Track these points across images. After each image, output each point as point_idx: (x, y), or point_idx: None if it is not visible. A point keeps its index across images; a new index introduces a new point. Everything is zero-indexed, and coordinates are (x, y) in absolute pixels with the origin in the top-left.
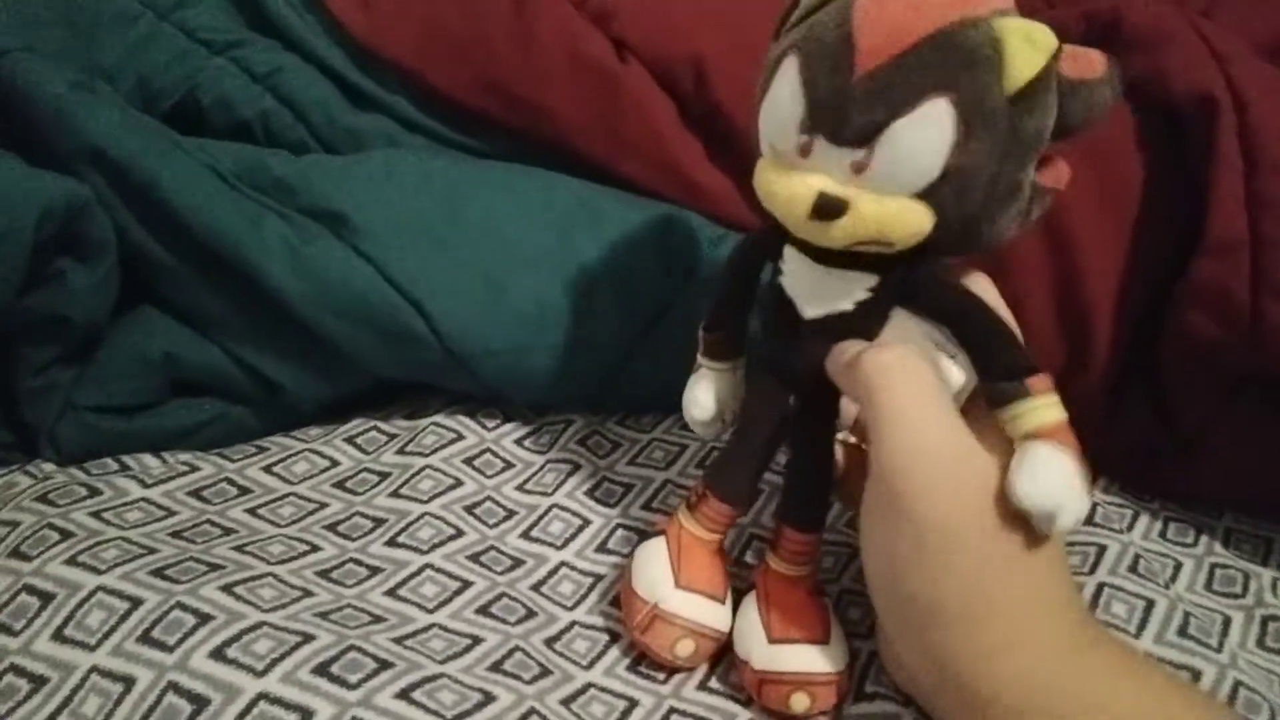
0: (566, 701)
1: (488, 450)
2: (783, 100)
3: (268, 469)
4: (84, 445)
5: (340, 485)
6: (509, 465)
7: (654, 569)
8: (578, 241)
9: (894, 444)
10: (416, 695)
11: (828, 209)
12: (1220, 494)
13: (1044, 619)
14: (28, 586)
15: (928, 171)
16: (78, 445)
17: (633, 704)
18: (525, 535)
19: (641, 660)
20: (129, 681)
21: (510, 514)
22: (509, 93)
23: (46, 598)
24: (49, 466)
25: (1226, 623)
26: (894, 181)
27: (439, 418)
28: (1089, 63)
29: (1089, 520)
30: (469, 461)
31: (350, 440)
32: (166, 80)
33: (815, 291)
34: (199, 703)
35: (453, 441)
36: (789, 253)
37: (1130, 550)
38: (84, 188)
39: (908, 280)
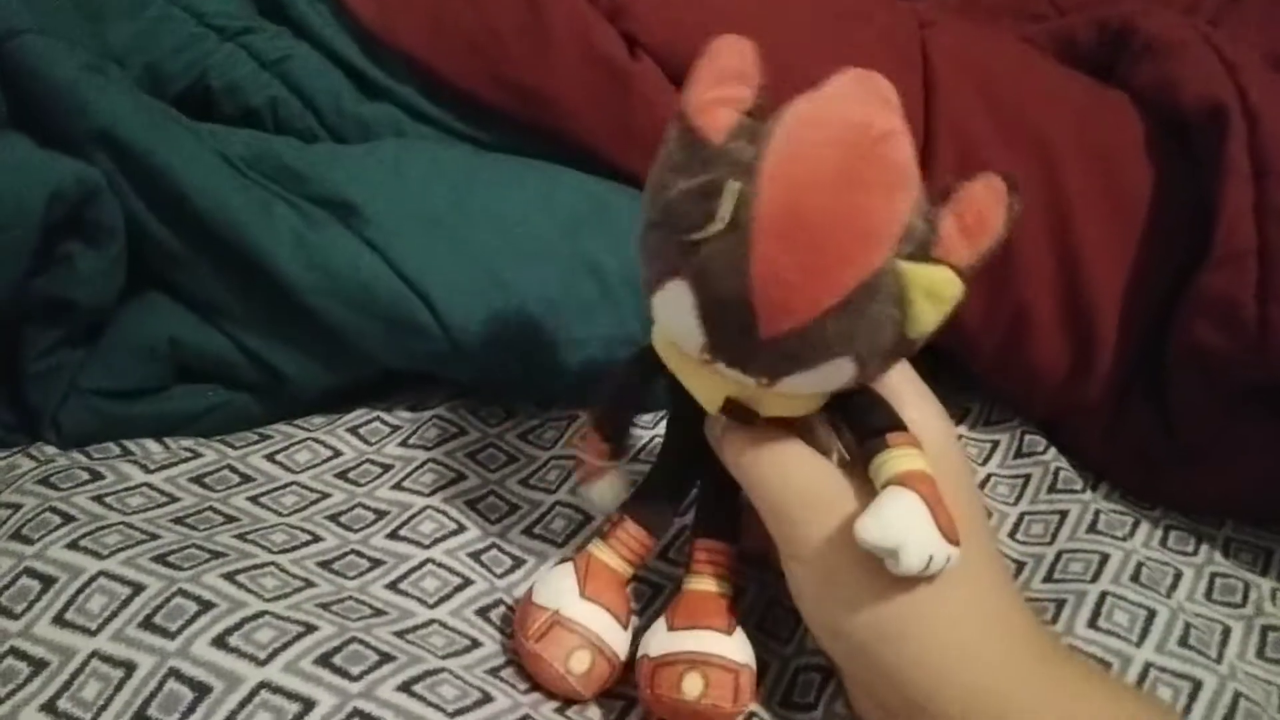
0: (562, 709)
1: (491, 445)
2: (680, 321)
3: (270, 457)
4: (87, 429)
5: (343, 475)
6: (512, 460)
7: (558, 581)
8: (584, 236)
9: (764, 492)
10: (418, 688)
11: (739, 414)
12: (1223, 502)
13: (994, 631)
14: (29, 570)
15: (828, 390)
16: (81, 429)
17: (631, 703)
18: (528, 532)
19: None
20: (130, 667)
21: (513, 509)
22: (519, 85)
23: (48, 581)
24: (51, 449)
25: (1226, 633)
26: (797, 397)
27: (443, 410)
28: (989, 228)
29: (1092, 527)
30: (472, 455)
31: (353, 430)
32: (176, 65)
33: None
34: (200, 690)
35: (456, 435)
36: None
37: (1133, 559)
38: (94, 171)
39: None
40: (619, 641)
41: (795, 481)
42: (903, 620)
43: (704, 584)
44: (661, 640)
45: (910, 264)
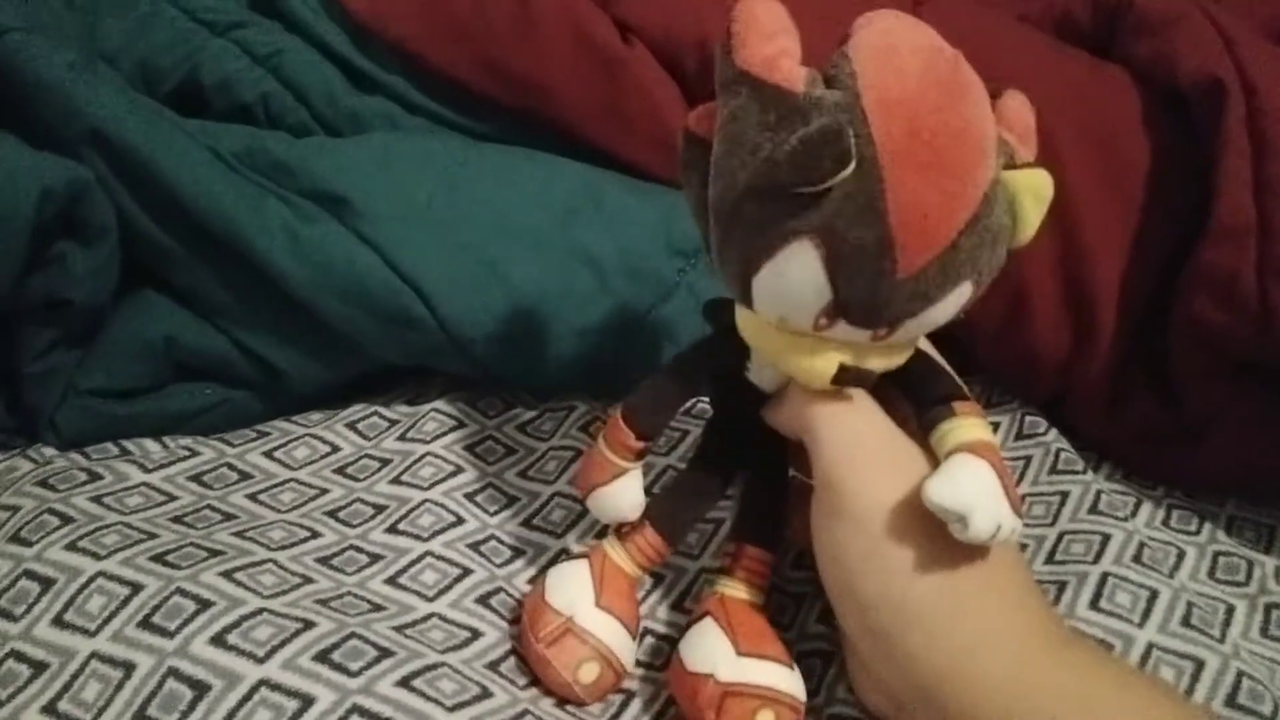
0: (561, 703)
1: (489, 437)
2: (798, 287)
3: (268, 454)
4: (85, 429)
5: (341, 471)
6: (511, 451)
7: (574, 585)
8: (579, 225)
9: (832, 447)
10: (417, 683)
11: (853, 380)
12: (1225, 480)
13: (1014, 616)
14: (28, 572)
15: (938, 325)
16: (78, 429)
17: (629, 695)
18: (527, 524)
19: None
20: (129, 667)
21: (512, 500)
22: (510, 74)
23: (47, 583)
24: (50, 451)
25: (1230, 611)
26: (908, 340)
27: (440, 403)
28: (1035, 134)
29: (1093, 508)
30: (470, 449)
31: (351, 426)
32: (168, 61)
33: (781, 379)
34: (199, 689)
35: (454, 428)
36: (756, 356)
37: (1135, 539)
38: (85, 170)
39: None
40: (627, 652)
41: (863, 436)
42: (931, 600)
43: (747, 593)
44: (733, 667)
45: (1011, 171)
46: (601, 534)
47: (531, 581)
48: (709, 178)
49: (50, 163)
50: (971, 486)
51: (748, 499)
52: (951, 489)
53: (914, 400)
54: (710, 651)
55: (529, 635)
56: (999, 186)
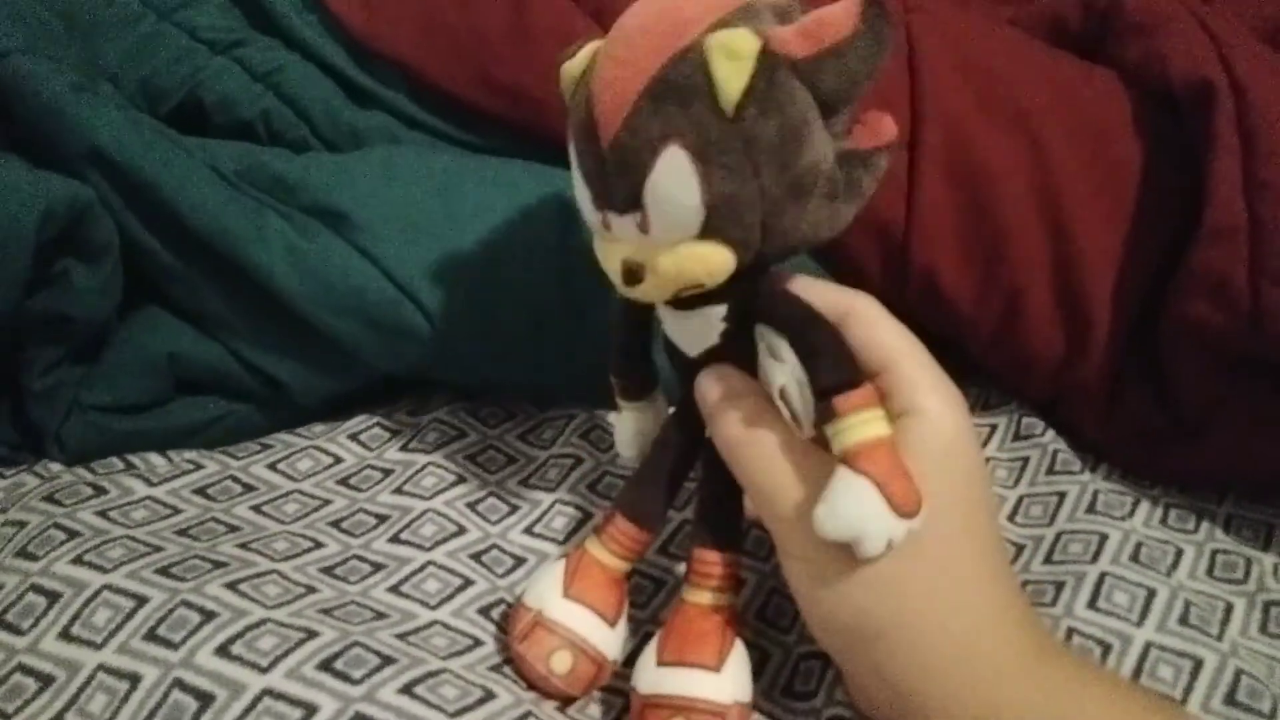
0: (564, 706)
1: (490, 446)
2: (575, 180)
3: (272, 466)
4: (90, 445)
5: (344, 482)
6: (512, 460)
7: (544, 581)
8: (576, 236)
9: (755, 492)
10: (419, 690)
11: (631, 275)
12: (1223, 478)
13: (987, 631)
14: (35, 586)
15: (693, 213)
16: (84, 445)
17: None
18: (529, 532)
19: (636, 656)
20: (135, 679)
21: (514, 509)
22: (506, 87)
23: (53, 597)
24: (56, 466)
25: (1228, 609)
26: (672, 231)
27: (441, 414)
28: (830, 31)
29: (1090, 508)
30: (472, 458)
31: (353, 437)
32: (169, 80)
33: (686, 333)
34: (204, 699)
35: (456, 438)
36: (658, 304)
37: (1132, 538)
38: (86, 189)
39: (751, 299)
40: (605, 640)
41: (785, 479)
42: (893, 618)
43: (700, 596)
44: (650, 677)
45: (717, 32)
46: None
47: None
48: None
49: (53, 182)
50: (853, 512)
51: (701, 499)
52: (833, 521)
53: (810, 381)
54: (640, 664)
55: (509, 638)
56: (693, 51)
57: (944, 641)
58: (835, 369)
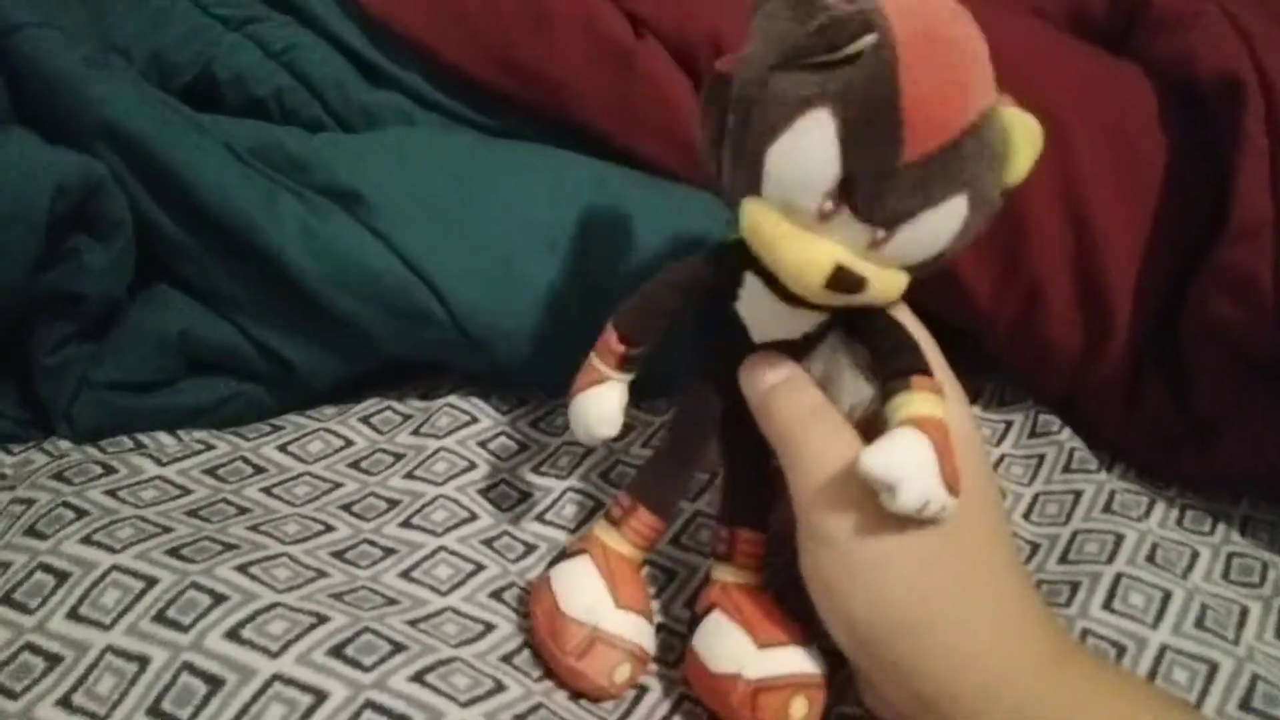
0: (575, 696)
1: (502, 432)
2: (811, 157)
3: (283, 448)
4: (100, 423)
5: (355, 465)
6: (524, 448)
7: (588, 589)
8: (591, 219)
9: (808, 478)
10: (430, 678)
11: (846, 284)
12: (1240, 480)
13: (1009, 625)
14: (43, 565)
15: (930, 253)
16: (93, 423)
17: (643, 690)
18: (539, 518)
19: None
20: (144, 661)
21: (525, 496)
22: (523, 69)
23: (62, 576)
24: (65, 444)
25: (1244, 613)
26: (900, 259)
27: (453, 399)
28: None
29: (1106, 507)
30: (483, 444)
31: (365, 420)
32: (182, 56)
33: (770, 321)
34: (214, 683)
35: (467, 424)
36: (750, 282)
37: (1148, 539)
38: (99, 165)
39: (850, 314)
40: (650, 639)
41: (833, 466)
42: (917, 617)
43: (748, 577)
44: (757, 661)
45: (1008, 108)
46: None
47: None
48: (728, 108)
49: (65, 158)
50: (905, 458)
51: (731, 482)
52: (884, 459)
53: (879, 372)
54: (732, 650)
55: (552, 649)
56: (995, 114)
57: (969, 639)
58: (914, 358)
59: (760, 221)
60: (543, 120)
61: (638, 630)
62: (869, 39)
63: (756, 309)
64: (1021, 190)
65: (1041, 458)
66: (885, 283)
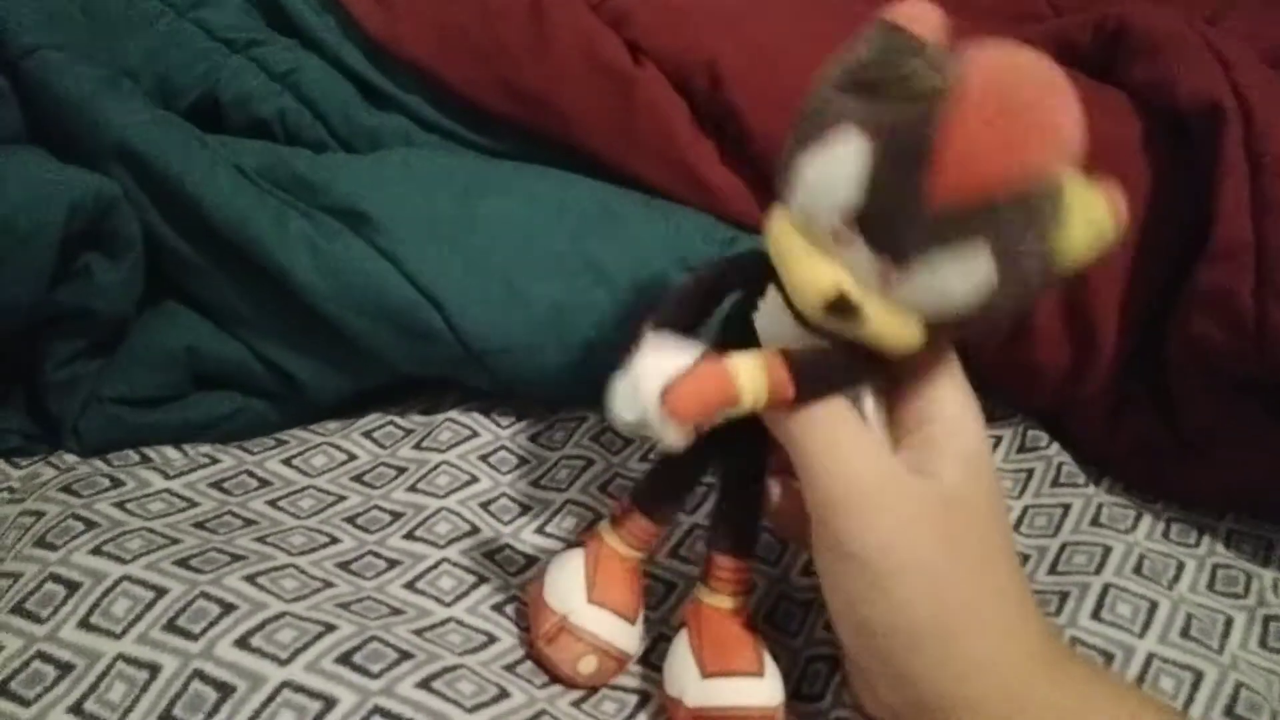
0: (578, 703)
1: (503, 447)
2: (839, 177)
3: (287, 462)
4: (107, 437)
5: (358, 479)
6: (524, 461)
7: (567, 580)
8: (593, 242)
9: (827, 487)
10: (437, 685)
11: (840, 309)
12: (1224, 496)
13: (1014, 634)
14: (54, 575)
15: (946, 307)
16: (101, 436)
17: (646, 696)
18: (540, 531)
19: (650, 654)
20: (154, 669)
21: (525, 509)
22: (524, 93)
23: (72, 586)
24: (71, 458)
25: (1228, 623)
26: (914, 305)
27: (454, 413)
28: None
29: (1094, 520)
30: (484, 458)
31: (368, 435)
32: (187, 79)
33: (782, 337)
34: (224, 690)
35: (468, 438)
36: (771, 295)
37: (1135, 551)
38: (112, 183)
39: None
40: (627, 640)
41: (856, 473)
42: (936, 627)
43: (721, 600)
44: (698, 690)
45: (1079, 186)
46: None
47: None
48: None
49: (78, 177)
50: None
51: (721, 504)
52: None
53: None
54: (679, 674)
55: (532, 633)
56: (1057, 188)
57: (983, 647)
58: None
59: (780, 234)
60: (543, 142)
61: (611, 628)
62: (934, 83)
63: (771, 322)
64: None
65: (1030, 472)
66: (888, 325)
